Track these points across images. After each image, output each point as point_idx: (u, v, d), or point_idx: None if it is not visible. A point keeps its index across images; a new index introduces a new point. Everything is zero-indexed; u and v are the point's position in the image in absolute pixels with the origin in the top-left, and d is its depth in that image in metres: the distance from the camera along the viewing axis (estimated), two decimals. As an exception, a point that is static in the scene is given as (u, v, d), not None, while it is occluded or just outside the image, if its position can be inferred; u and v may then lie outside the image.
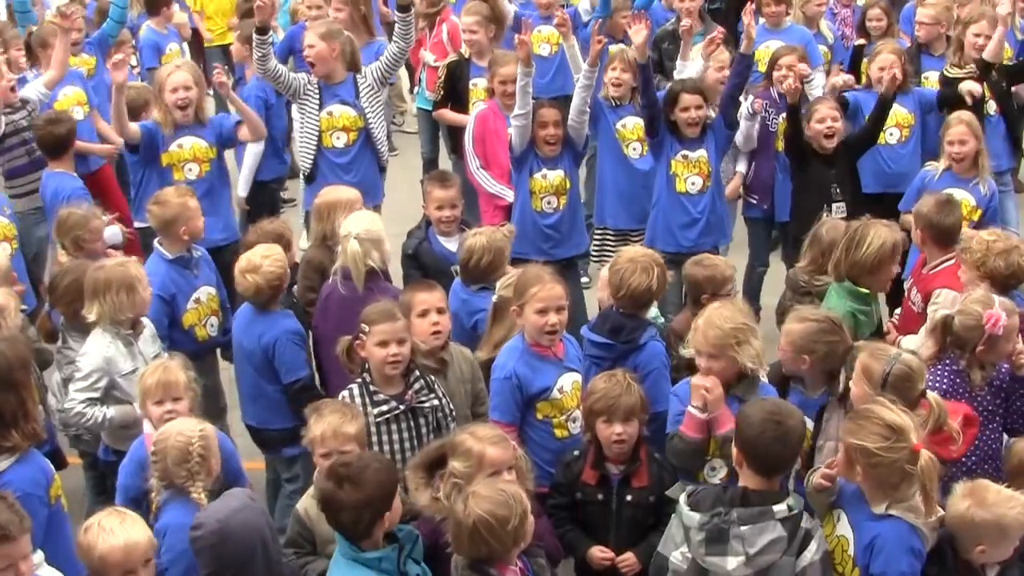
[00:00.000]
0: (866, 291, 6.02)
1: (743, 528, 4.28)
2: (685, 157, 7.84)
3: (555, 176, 7.80)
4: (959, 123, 7.70)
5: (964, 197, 7.51)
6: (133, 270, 6.13)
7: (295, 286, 6.80)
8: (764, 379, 5.35)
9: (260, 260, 6.27)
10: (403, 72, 12.40)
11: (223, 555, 4.47)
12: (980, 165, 7.64)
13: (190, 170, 8.02)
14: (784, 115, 8.19)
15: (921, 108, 8.58)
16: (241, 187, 9.38)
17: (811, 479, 4.71)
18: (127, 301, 6.03)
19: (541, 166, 7.78)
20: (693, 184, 7.86)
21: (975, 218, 7.55)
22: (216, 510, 4.58)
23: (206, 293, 6.87)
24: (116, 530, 4.38)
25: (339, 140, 8.32)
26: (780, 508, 4.31)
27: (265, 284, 6.25)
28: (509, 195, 8.20)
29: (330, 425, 5.05)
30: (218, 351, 7.16)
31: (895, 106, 8.30)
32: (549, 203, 7.80)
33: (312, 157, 8.34)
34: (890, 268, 6.08)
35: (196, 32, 13.19)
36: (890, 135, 8.48)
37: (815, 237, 6.55)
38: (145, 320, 6.27)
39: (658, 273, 5.88)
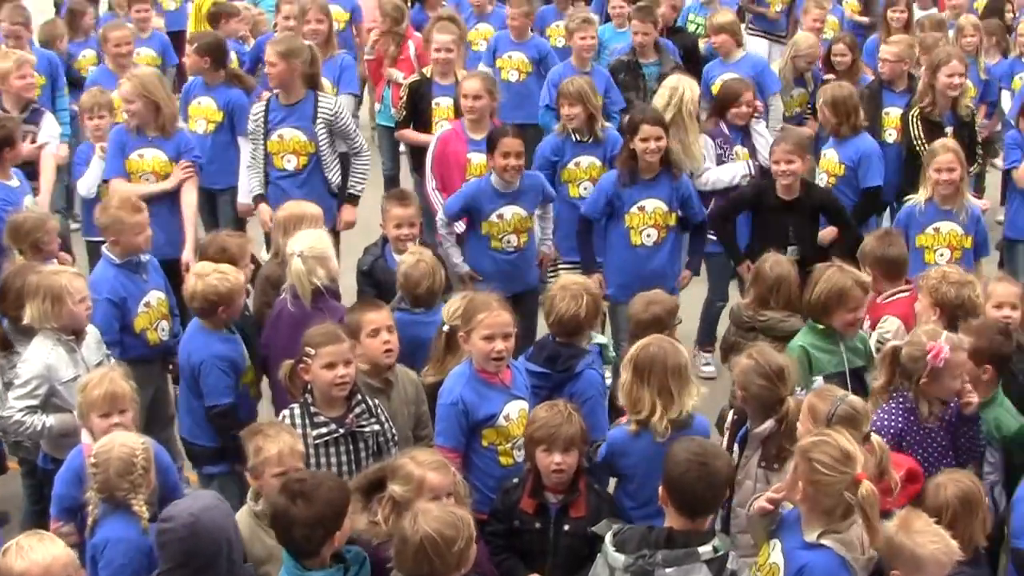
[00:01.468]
0: (823, 327, 6.03)
1: (668, 570, 4.26)
2: (641, 209, 7.60)
3: (512, 213, 7.60)
4: (946, 151, 7.46)
5: (951, 228, 7.50)
6: (64, 280, 5.99)
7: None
8: None
9: (210, 271, 6.18)
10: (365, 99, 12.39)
11: (193, 549, 4.40)
12: (962, 192, 7.51)
13: (147, 180, 7.94)
14: (736, 149, 8.37)
15: (859, 155, 8.31)
16: (242, 194, 8.98)
17: (753, 504, 4.71)
18: (52, 311, 5.94)
19: (496, 201, 7.53)
20: (648, 236, 7.63)
21: (967, 245, 7.50)
22: (187, 505, 4.52)
23: (156, 297, 6.78)
24: (35, 547, 4.31)
25: (289, 163, 8.24)
26: (705, 550, 4.30)
27: (200, 293, 6.12)
28: (459, 227, 7.94)
29: (286, 444, 4.99)
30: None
31: (829, 151, 8.36)
32: (508, 242, 7.56)
33: (262, 176, 8.29)
34: (842, 311, 6.01)
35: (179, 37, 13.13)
36: (819, 180, 8.38)
37: (759, 273, 6.53)
38: (90, 328, 6.19)
39: (588, 301, 5.90)
